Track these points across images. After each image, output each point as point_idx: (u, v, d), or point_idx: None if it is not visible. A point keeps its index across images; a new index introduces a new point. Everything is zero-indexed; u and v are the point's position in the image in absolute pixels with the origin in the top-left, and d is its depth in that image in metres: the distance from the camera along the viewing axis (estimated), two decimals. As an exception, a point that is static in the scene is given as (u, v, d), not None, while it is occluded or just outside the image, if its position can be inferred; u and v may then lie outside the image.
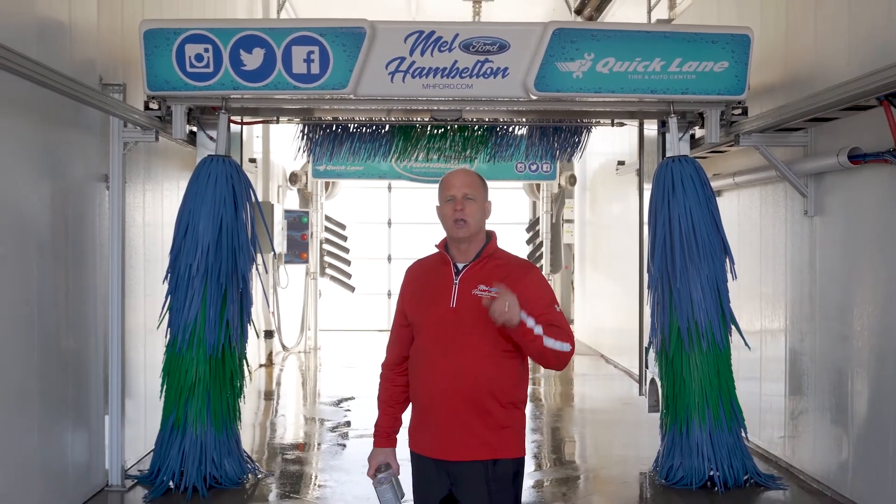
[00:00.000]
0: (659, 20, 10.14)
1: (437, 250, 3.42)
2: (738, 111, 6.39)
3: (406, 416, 3.52)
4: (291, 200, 14.09)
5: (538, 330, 3.13)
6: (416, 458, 3.39)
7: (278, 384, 11.42)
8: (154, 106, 6.27)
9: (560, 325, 3.23)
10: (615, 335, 12.40)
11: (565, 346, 3.20)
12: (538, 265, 15.06)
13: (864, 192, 5.58)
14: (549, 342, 3.15)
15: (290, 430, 8.86)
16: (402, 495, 3.42)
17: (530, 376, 11.63)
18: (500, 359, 3.26)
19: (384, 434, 3.48)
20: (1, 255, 4.61)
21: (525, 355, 3.33)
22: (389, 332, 3.54)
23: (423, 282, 3.41)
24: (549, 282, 14.53)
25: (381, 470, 3.40)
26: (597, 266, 14.24)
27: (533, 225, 15.65)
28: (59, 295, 5.41)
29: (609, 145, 12.19)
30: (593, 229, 14.51)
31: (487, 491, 3.23)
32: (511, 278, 3.24)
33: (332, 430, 8.46)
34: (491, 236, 3.39)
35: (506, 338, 3.21)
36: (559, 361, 3.23)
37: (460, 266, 3.33)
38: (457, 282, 3.29)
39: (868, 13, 5.44)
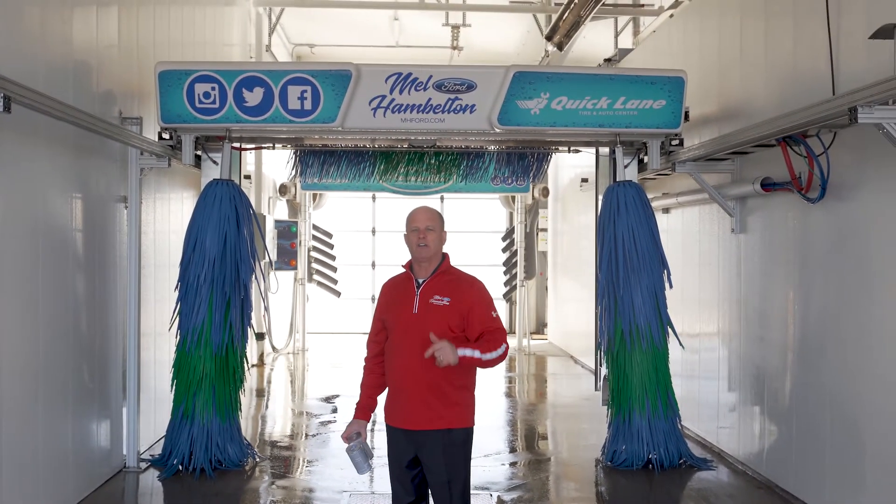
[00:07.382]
0: (621, 49, 11.16)
1: (403, 270, 4.37)
2: (676, 142, 7.32)
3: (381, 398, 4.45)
4: (281, 211, 14.84)
5: (476, 354, 4.08)
6: (389, 430, 4.33)
7: (269, 382, 12.23)
8: (166, 136, 7.16)
9: (495, 332, 4.18)
10: (583, 338, 13.25)
11: (500, 350, 4.15)
12: (514, 272, 15.96)
13: (775, 214, 6.54)
14: (487, 356, 4.10)
15: (280, 422, 9.73)
16: (371, 456, 4.35)
17: (506, 376, 12.32)
18: None
19: (361, 409, 4.42)
20: (48, 268, 5.49)
21: None
22: (369, 334, 4.49)
23: (394, 294, 4.38)
24: (523, 288, 15.47)
25: (352, 438, 4.32)
26: (568, 273, 15.10)
27: (509, 234, 16.53)
28: (89, 301, 6.30)
29: (578, 160, 13.06)
30: (565, 238, 15.37)
31: (443, 453, 4.17)
32: (460, 289, 4.25)
33: (320, 423, 9.33)
34: (445, 257, 4.34)
35: (455, 337, 4.14)
36: (500, 360, 4.19)
37: (420, 281, 4.28)
38: (418, 293, 4.24)
39: (780, 62, 6.38)
